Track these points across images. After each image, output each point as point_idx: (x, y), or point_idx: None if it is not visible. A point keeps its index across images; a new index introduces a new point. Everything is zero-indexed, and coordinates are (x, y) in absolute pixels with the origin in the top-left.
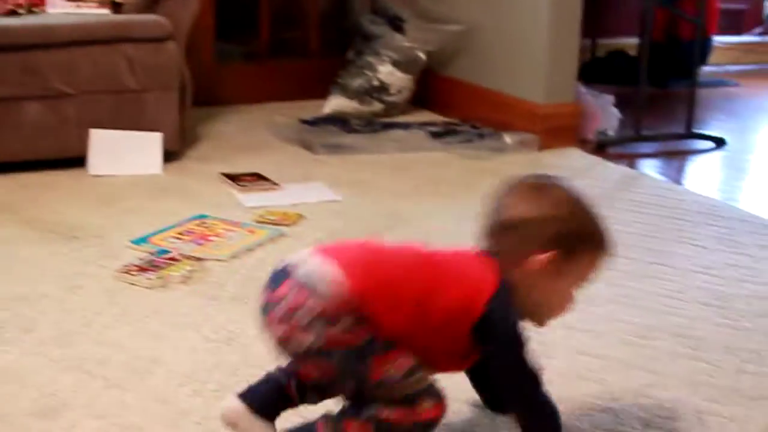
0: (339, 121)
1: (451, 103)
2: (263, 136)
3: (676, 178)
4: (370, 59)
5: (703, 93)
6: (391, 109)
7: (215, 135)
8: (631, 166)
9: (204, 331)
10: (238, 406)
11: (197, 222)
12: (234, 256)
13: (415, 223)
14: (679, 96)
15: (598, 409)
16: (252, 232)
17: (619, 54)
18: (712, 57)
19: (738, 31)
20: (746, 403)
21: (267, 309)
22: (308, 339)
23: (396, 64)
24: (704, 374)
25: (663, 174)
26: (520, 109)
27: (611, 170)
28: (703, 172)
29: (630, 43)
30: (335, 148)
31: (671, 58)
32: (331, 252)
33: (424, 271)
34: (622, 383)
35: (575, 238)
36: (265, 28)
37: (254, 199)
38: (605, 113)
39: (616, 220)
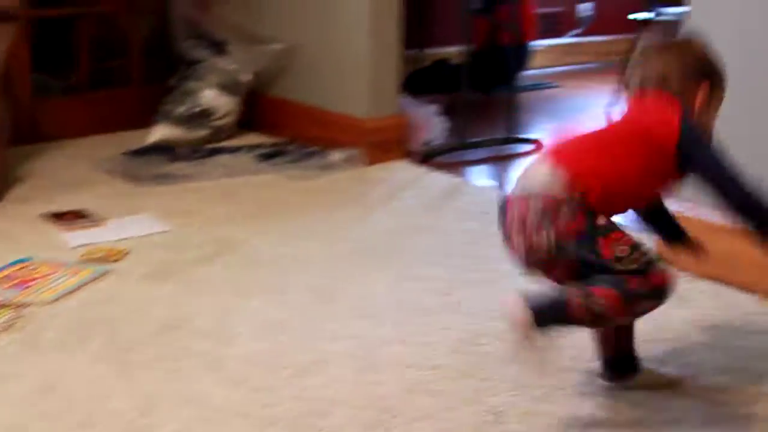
0: (165, 149)
1: (279, 124)
2: (87, 171)
3: (501, 183)
4: (194, 84)
5: (526, 96)
6: (219, 133)
7: (36, 173)
8: (457, 174)
9: (26, 380)
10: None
11: (19, 266)
12: (58, 299)
13: (244, 249)
14: (503, 101)
15: (431, 420)
16: (76, 272)
17: (443, 63)
18: (535, 60)
19: (556, 34)
20: (571, 401)
21: (507, 236)
22: (543, 238)
23: (220, 87)
24: (532, 375)
25: (488, 180)
26: (346, 124)
27: (437, 180)
28: None
29: (455, 51)
30: (162, 178)
31: (494, 65)
32: (561, 153)
33: (618, 131)
34: (452, 392)
35: (717, 70)
36: (84, 59)
37: (79, 237)
38: (431, 123)
39: (442, 229)
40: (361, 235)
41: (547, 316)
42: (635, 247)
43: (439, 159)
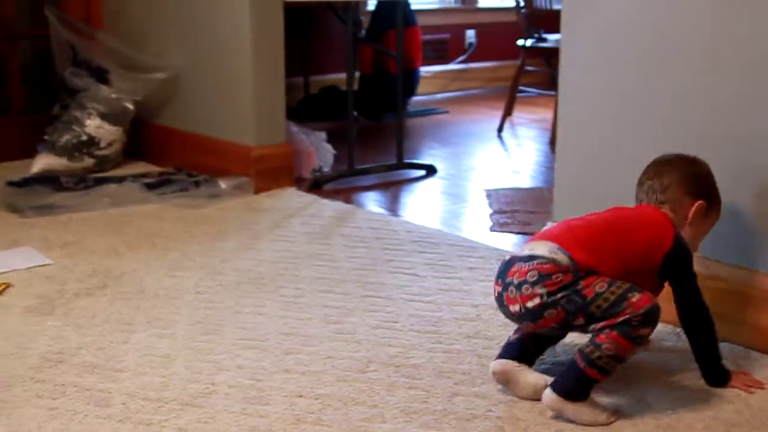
0: (49, 179)
1: (165, 152)
2: None
3: (391, 208)
4: (77, 113)
5: (415, 122)
6: (104, 163)
7: None
8: (347, 200)
9: None
10: (502, 362)
11: None
12: None
13: (129, 280)
14: (392, 127)
15: None
16: None
17: (332, 90)
18: (423, 86)
19: (444, 60)
20: (459, 425)
21: (502, 295)
22: (536, 299)
23: (104, 116)
24: (419, 401)
25: (378, 206)
26: (233, 153)
27: (327, 207)
28: (417, 201)
29: (342, 78)
30: (45, 209)
31: (383, 92)
32: (543, 234)
33: (615, 224)
34: (340, 421)
35: (713, 190)
36: None
37: None
38: (319, 150)
39: (331, 256)
40: (248, 265)
41: (578, 391)
42: (612, 282)
43: (329, 186)
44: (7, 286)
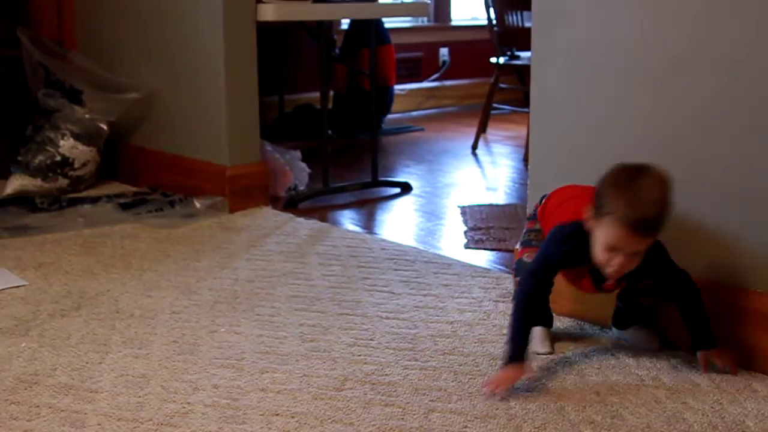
0: (23, 200)
1: (140, 172)
2: None
3: (366, 226)
4: (50, 134)
5: (390, 140)
6: (78, 183)
7: None
8: (322, 219)
9: None
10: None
11: None
12: None
13: (104, 301)
14: (367, 145)
15: None
16: None
17: (306, 108)
18: (397, 104)
19: (418, 78)
20: None
21: None
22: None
23: (77, 137)
24: (396, 418)
25: (353, 224)
26: (208, 172)
27: (302, 225)
28: (392, 218)
29: (317, 97)
30: (19, 230)
31: (357, 110)
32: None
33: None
34: None
35: (601, 201)
36: None
37: None
38: (294, 169)
39: (307, 275)
40: (223, 284)
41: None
42: (531, 231)
43: (304, 204)
44: None
